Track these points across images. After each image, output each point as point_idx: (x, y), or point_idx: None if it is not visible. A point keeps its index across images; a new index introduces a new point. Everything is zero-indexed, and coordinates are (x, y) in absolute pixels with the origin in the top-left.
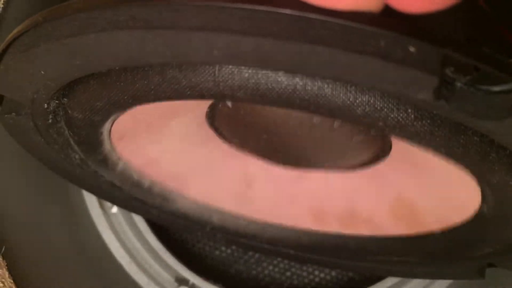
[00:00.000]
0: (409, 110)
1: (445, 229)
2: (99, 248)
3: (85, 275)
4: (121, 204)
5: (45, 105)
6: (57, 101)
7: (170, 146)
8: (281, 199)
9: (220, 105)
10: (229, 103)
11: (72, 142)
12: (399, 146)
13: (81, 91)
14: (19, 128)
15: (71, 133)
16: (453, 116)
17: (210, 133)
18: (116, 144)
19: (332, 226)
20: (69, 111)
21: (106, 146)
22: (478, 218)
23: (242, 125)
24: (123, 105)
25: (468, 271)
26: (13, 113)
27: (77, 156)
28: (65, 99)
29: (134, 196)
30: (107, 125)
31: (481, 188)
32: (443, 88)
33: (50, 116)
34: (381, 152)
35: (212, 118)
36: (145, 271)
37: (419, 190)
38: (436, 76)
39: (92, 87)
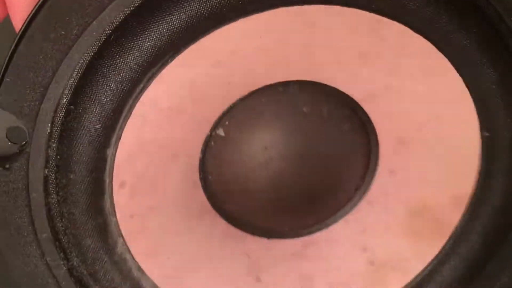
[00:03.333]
0: None
1: (467, 212)
2: None
3: None
4: None
5: (48, 128)
6: (67, 111)
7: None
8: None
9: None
10: (221, 132)
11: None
12: (387, 138)
13: (101, 68)
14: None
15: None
16: None
17: (206, 205)
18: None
19: None
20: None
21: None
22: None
23: (237, 179)
24: None
25: None
26: (6, 165)
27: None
28: (72, 107)
29: None
30: (112, 148)
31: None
32: None
33: (51, 159)
34: (371, 160)
35: (206, 172)
36: None
37: (422, 180)
38: None
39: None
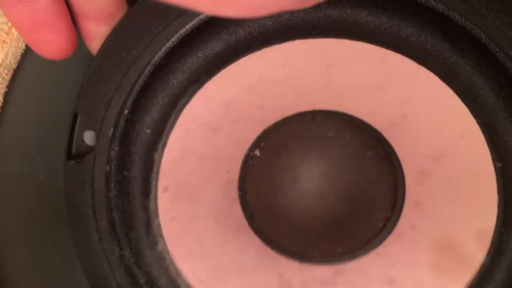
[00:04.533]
0: None
1: (491, 250)
2: None
3: None
4: None
5: (111, 131)
6: (126, 118)
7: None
8: None
9: (250, 163)
10: (257, 152)
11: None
12: (410, 166)
13: (152, 84)
14: (77, 181)
15: (125, 173)
16: None
17: (243, 223)
18: (160, 199)
19: None
20: (130, 131)
21: (152, 200)
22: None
23: (273, 201)
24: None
25: None
26: (78, 159)
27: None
28: (129, 114)
29: None
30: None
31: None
32: None
33: (112, 159)
34: (399, 190)
35: (244, 190)
36: None
37: (447, 215)
38: None
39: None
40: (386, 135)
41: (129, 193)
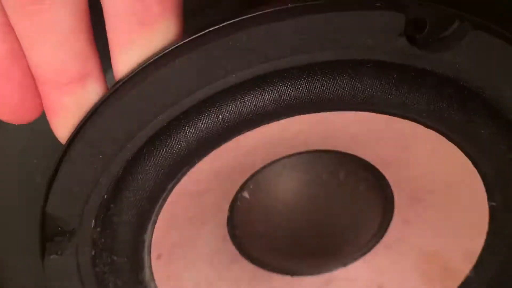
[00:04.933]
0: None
1: (476, 264)
2: None
3: None
4: None
5: (92, 223)
6: (104, 210)
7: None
8: None
9: (238, 204)
10: (246, 195)
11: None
12: (397, 188)
13: (135, 174)
14: (62, 272)
15: (114, 257)
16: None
17: (234, 253)
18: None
19: None
20: (114, 220)
21: (147, 270)
22: (494, 226)
23: (258, 221)
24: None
25: None
26: (59, 252)
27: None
28: (112, 205)
29: None
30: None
31: (480, 174)
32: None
33: (96, 242)
34: (388, 208)
35: (233, 227)
36: None
37: (435, 232)
38: (403, 14)
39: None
40: (381, 170)
41: (120, 272)
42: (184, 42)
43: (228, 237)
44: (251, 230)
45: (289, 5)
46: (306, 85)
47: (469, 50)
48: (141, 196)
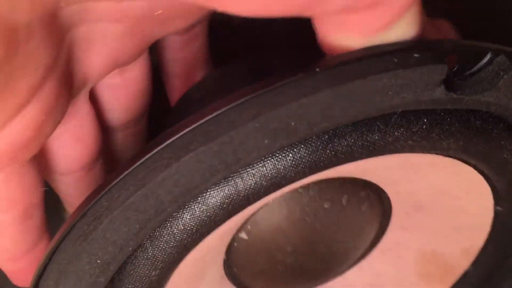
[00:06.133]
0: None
1: (475, 260)
2: None
3: None
4: None
5: None
6: None
7: None
8: None
9: (235, 245)
10: (244, 236)
11: None
12: (398, 200)
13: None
14: None
15: None
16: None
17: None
18: None
19: None
20: None
21: None
22: (497, 225)
23: (256, 259)
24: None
25: None
26: None
27: None
28: None
29: None
30: None
31: (490, 186)
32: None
33: None
34: (384, 217)
35: (230, 267)
36: None
37: (433, 235)
38: (444, 65)
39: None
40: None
41: None
42: None
43: (225, 277)
44: (248, 266)
45: (317, 70)
46: (331, 147)
47: (507, 89)
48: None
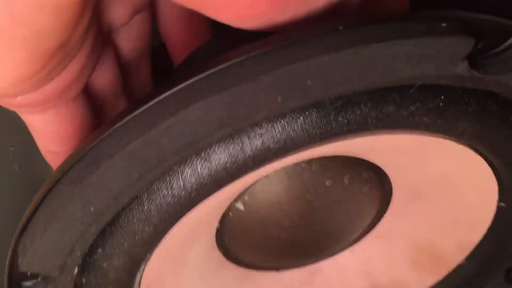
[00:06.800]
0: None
1: (469, 255)
2: None
3: None
4: None
5: (75, 270)
6: (90, 258)
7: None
8: None
9: (230, 215)
10: (240, 206)
11: None
12: (400, 186)
13: (123, 224)
14: None
15: None
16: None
17: (221, 259)
18: None
19: None
20: (103, 265)
21: None
22: (497, 222)
23: (250, 231)
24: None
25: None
26: None
27: None
28: (100, 249)
29: None
30: (141, 270)
31: (497, 180)
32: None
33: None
34: (383, 202)
35: (222, 237)
36: None
37: (430, 225)
38: (471, 38)
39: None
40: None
41: None
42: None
43: (216, 247)
44: (241, 238)
45: (340, 28)
46: (344, 115)
47: None
48: (136, 243)
